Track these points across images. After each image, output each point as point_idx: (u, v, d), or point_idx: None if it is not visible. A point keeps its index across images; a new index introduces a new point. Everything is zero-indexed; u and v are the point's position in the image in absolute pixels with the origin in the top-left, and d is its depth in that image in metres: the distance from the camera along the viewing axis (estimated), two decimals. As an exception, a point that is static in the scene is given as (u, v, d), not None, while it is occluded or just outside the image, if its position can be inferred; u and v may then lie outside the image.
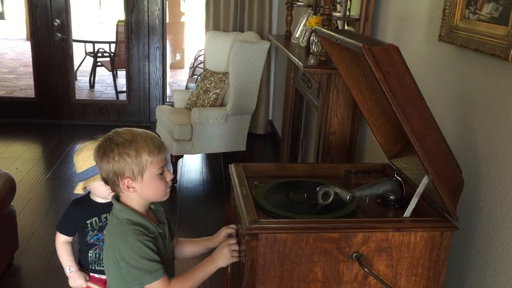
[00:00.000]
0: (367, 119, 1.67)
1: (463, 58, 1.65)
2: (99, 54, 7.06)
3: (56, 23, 5.12)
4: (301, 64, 2.42)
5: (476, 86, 1.57)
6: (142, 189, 1.41)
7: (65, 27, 5.17)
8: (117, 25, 6.54)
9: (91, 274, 1.87)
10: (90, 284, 1.85)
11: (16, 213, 2.81)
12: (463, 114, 1.65)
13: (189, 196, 3.84)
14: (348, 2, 2.65)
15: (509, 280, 1.40)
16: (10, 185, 2.68)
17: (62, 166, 4.20)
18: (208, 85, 4.20)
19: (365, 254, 1.37)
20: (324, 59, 2.42)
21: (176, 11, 8.83)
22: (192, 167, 4.42)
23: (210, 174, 4.31)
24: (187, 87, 6.14)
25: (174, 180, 3.93)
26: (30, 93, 5.88)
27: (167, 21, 5.81)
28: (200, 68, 5.88)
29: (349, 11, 2.66)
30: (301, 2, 3.57)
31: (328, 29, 2.03)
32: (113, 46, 6.90)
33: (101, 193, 1.76)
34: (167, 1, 5.31)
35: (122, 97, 6.16)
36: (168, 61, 6.64)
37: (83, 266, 1.87)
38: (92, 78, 7.21)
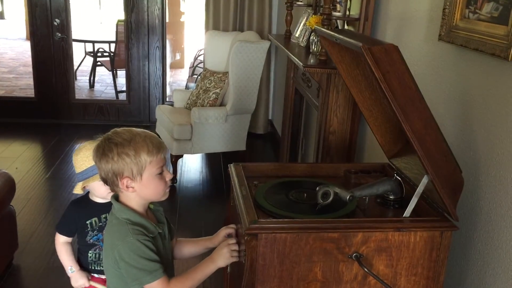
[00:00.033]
0: (367, 119, 1.67)
1: (463, 58, 1.64)
2: (99, 54, 7.06)
3: (55, 23, 5.11)
4: (301, 64, 2.42)
5: (476, 86, 1.57)
6: (141, 189, 1.40)
7: (65, 27, 5.16)
8: (117, 25, 6.53)
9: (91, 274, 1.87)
10: (92, 283, 1.85)
11: (15, 213, 2.81)
12: (463, 113, 1.65)
13: (189, 196, 3.83)
14: (348, 1, 2.65)
15: (509, 280, 1.40)
16: (10, 185, 2.68)
17: (62, 166, 4.20)
18: (208, 85, 4.19)
19: (365, 254, 1.37)
20: (324, 58, 2.42)
21: (176, 10, 8.83)
22: (192, 166, 4.42)
23: (210, 174, 4.30)
24: (187, 87, 6.13)
25: (174, 180, 3.93)
26: (30, 92, 5.88)
27: (167, 20, 5.80)
28: (200, 67, 5.88)
29: (349, 10, 2.66)
30: (301, 1, 3.57)
31: (328, 29, 2.03)
32: (113, 45, 6.90)
33: (100, 193, 1.76)
34: (167, 1, 5.30)
35: (122, 96, 6.16)
36: (168, 60, 6.64)
37: (83, 266, 1.87)
38: (92, 78, 7.20)
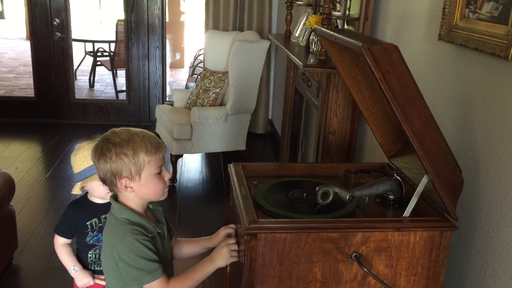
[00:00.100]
0: (367, 119, 1.67)
1: (463, 57, 1.64)
2: (99, 54, 7.06)
3: (55, 23, 5.11)
4: (301, 64, 2.41)
5: (476, 85, 1.57)
6: (140, 188, 1.40)
7: (65, 27, 5.16)
8: (117, 25, 6.53)
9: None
10: (97, 281, 1.84)
11: (15, 213, 2.81)
12: (462, 113, 1.65)
13: (189, 196, 3.83)
14: (348, 1, 2.65)
15: (509, 280, 1.40)
16: (10, 185, 2.67)
17: (62, 166, 4.20)
18: (207, 85, 4.19)
19: (365, 254, 1.37)
20: (323, 58, 2.42)
21: (176, 10, 8.83)
22: (192, 166, 4.42)
23: (210, 174, 4.30)
24: (187, 87, 6.13)
25: (174, 179, 3.93)
26: (30, 92, 5.88)
27: (167, 20, 5.80)
28: (200, 67, 5.87)
29: (349, 10, 2.65)
30: (301, 1, 3.57)
31: (327, 28, 2.02)
32: (112, 45, 6.89)
33: (99, 193, 1.76)
34: (166, 1, 5.31)
35: (122, 96, 6.16)
36: (168, 60, 6.63)
37: (83, 266, 1.86)
38: (91, 78, 7.20)
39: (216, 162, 4.46)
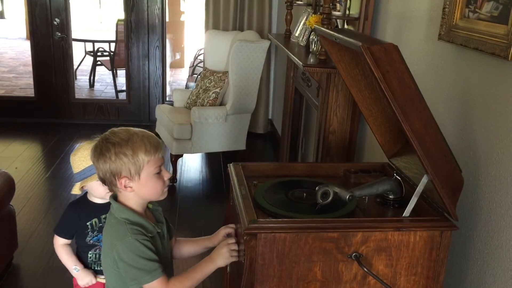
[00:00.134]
0: (367, 118, 1.67)
1: (463, 57, 1.64)
2: (99, 53, 7.06)
3: (55, 22, 5.11)
4: (301, 63, 2.41)
5: (476, 85, 1.57)
6: (140, 188, 1.40)
7: (65, 26, 5.16)
8: (117, 24, 6.53)
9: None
10: (99, 279, 1.84)
11: (15, 213, 2.81)
12: (462, 113, 1.65)
13: (189, 196, 3.83)
14: (348, 1, 2.65)
15: (509, 280, 1.40)
16: (10, 185, 2.67)
17: (62, 165, 4.20)
18: (207, 84, 4.19)
19: (365, 253, 1.37)
20: (323, 58, 2.42)
21: (176, 10, 8.82)
22: (192, 166, 4.42)
23: (210, 173, 4.30)
24: (187, 86, 6.13)
25: (174, 179, 3.93)
26: (30, 92, 5.88)
27: (167, 20, 5.80)
28: (200, 67, 5.87)
29: (349, 10, 2.65)
30: (301, 1, 3.57)
31: (327, 28, 2.02)
32: (112, 45, 6.89)
33: (98, 193, 1.76)
34: (167, 0, 5.31)
35: (122, 96, 6.15)
36: (168, 60, 6.63)
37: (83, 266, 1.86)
38: (91, 77, 7.20)
39: (216, 162, 4.46)
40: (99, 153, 1.38)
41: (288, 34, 3.47)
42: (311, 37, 2.84)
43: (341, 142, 2.45)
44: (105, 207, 1.56)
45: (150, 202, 1.51)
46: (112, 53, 6.81)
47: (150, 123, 5.15)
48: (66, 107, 5.37)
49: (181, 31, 8.87)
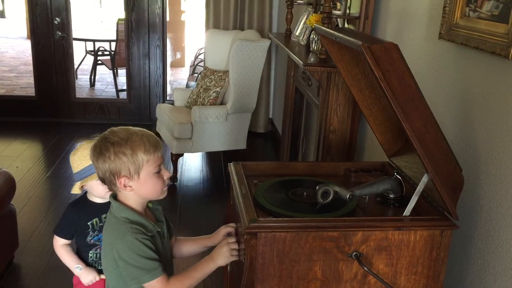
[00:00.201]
0: (367, 118, 1.66)
1: (463, 56, 1.64)
2: (100, 53, 7.05)
3: (56, 22, 5.11)
4: (301, 62, 2.41)
5: (476, 84, 1.57)
6: (139, 187, 1.40)
7: (65, 26, 5.16)
8: (118, 24, 6.53)
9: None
10: (103, 276, 1.83)
11: (16, 212, 2.81)
12: (463, 112, 1.65)
13: (189, 195, 3.83)
14: (348, 0, 2.65)
15: (509, 279, 1.40)
16: (10, 184, 2.67)
17: (63, 165, 4.20)
18: (208, 84, 4.19)
19: (365, 253, 1.37)
20: (324, 57, 2.42)
21: (176, 9, 8.82)
22: (193, 165, 4.42)
23: (211, 173, 4.30)
24: (187, 86, 6.13)
25: (175, 178, 3.93)
26: (31, 91, 5.88)
27: (167, 19, 5.80)
28: (201, 66, 5.88)
29: (349, 9, 2.65)
30: (301, 0, 3.57)
31: (328, 27, 2.02)
32: (113, 44, 6.89)
33: (98, 192, 1.75)
34: (167, 0, 5.30)
35: (123, 95, 6.15)
36: (169, 59, 6.63)
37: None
38: (92, 77, 7.20)
39: (216, 161, 4.47)
40: (98, 153, 1.38)
41: (289, 33, 3.47)
42: (311, 36, 2.84)
43: (341, 141, 2.45)
44: (106, 207, 1.56)
45: (150, 201, 1.51)
46: (112, 53, 6.81)
47: (150, 122, 5.15)
48: (67, 106, 5.37)
49: (181, 30, 8.88)
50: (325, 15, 2.41)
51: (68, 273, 1.90)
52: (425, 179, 1.39)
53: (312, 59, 2.59)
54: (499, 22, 1.40)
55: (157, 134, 4.11)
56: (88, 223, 1.79)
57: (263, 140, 5.07)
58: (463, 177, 1.43)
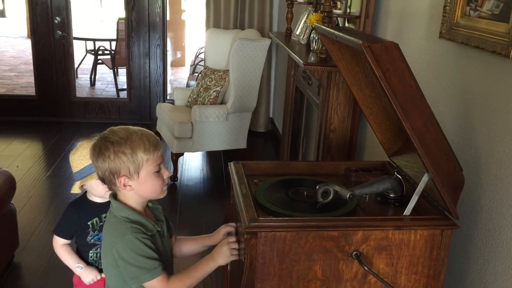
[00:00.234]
0: (367, 117, 1.66)
1: (464, 55, 1.64)
2: (100, 52, 7.05)
3: (56, 21, 5.11)
4: (301, 62, 2.41)
5: (477, 84, 1.56)
6: (139, 187, 1.40)
7: (66, 25, 5.16)
8: (118, 23, 6.53)
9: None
10: (104, 275, 1.83)
11: (16, 211, 2.81)
12: (463, 111, 1.64)
13: (190, 194, 3.83)
14: (349, -1, 2.64)
15: (510, 279, 1.40)
16: (11, 183, 2.67)
17: (63, 164, 4.20)
18: (208, 83, 4.19)
19: (365, 252, 1.36)
20: (324, 56, 2.41)
21: (176, 8, 8.82)
22: (193, 165, 4.42)
23: (211, 172, 4.30)
24: (187, 85, 6.13)
25: (175, 178, 3.93)
26: (31, 91, 5.89)
27: (168, 18, 5.79)
28: (201, 65, 5.87)
29: (350, 8, 2.65)
30: (302, -1, 3.56)
31: (328, 27, 2.02)
32: (113, 43, 6.89)
33: (98, 191, 1.75)
34: (167, -1, 5.30)
35: (123, 94, 6.15)
36: (169, 58, 6.62)
37: (85, 264, 1.86)
38: (92, 76, 7.20)
39: (217, 161, 4.46)
40: (98, 152, 1.38)
41: (289, 32, 3.47)
42: (311, 35, 2.83)
43: (341, 141, 2.45)
44: (106, 206, 1.56)
45: (150, 201, 1.51)
46: (113, 52, 6.81)
47: (151, 122, 5.15)
48: (67, 105, 5.37)
49: (182, 29, 8.88)
50: (325, 14, 2.41)
51: (68, 273, 1.90)
52: (425, 178, 1.39)
53: (312, 58, 2.59)
54: (500, 21, 1.40)
55: (157, 134, 4.11)
56: (88, 223, 1.79)
57: (264, 140, 5.07)
58: (463, 176, 1.43)
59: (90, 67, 7.22)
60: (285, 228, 1.33)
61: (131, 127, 1.42)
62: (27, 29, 10.40)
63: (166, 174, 1.44)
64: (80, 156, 1.74)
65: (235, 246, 1.49)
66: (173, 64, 8.66)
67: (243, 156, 4.02)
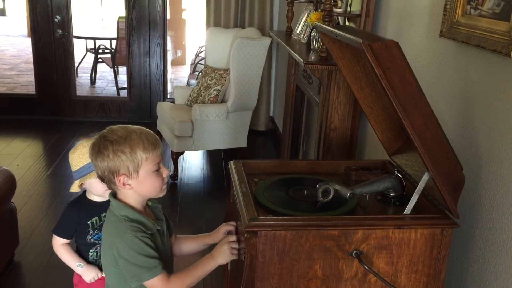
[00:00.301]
0: (368, 116, 1.66)
1: (464, 54, 1.64)
2: (100, 51, 7.05)
3: (56, 20, 5.11)
4: (302, 60, 2.41)
5: (477, 82, 1.56)
6: (138, 186, 1.40)
7: (66, 24, 5.16)
8: (118, 22, 6.52)
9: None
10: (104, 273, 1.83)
11: (16, 210, 2.81)
12: (464, 110, 1.64)
13: (190, 193, 3.83)
14: (349, -3, 2.64)
15: (510, 278, 1.40)
16: (11, 182, 2.68)
17: (63, 163, 4.20)
18: (209, 82, 4.19)
19: (365, 251, 1.36)
20: (324, 55, 2.41)
21: (177, 7, 8.81)
22: (193, 163, 4.42)
23: (211, 171, 4.30)
24: (188, 84, 6.13)
25: (175, 176, 3.93)
26: (31, 89, 5.88)
27: (168, 17, 5.79)
28: (201, 64, 5.87)
29: (350, 7, 2.64)
30: (302, -2, 3.56)
31: (328, 25, 2.01)
32: (114, 42, 6.89)
33: (97, 190, 1.75)
34: (168, -3, 5.30)
35: (123, 93, 6.15)
36: (169, 57, 6.62)
37: (85, 263, 1.86)
38: (93, 75, 7.20)
39: (217, 159, 4.46)
40: (97, 151, 1.38)
41: (289, 31, 3.46)
42: (312, 34, 2.83)
43: (342, 140, 2.45)
44: (105, 205, 1.56)
45: (149, 200, 1.51)
46: (113, 51, 6.81)
47: (151, 121, 5.14)
48: (68, 104, 5.37)
49: (182, 28, 8.87)
50: (326, 13, 2.41)
51: (68, 272, 1.89)
52: (425, 177, 1.39)
53: (312, 57, 2.58)
54: (500, 20, 1.39)
55: (158, 133, 4.11)
56: (88, 222, 1.79)
57: (264, 138, 5.07)
58: (464, 175, 1.43)
59: (91, 65, 7.22)
60: (285, 227, 1.33)
61: (130, 126, 1.42)
62: (27, 27, 10.39)
63: (166, 172, 1.44)
64: (80, 155, 1.74)
65: (236, 245, 1.48)
66: (174, 63, 8.65)
67: (243, 155, 4.03)
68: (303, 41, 3.10)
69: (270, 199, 1.50)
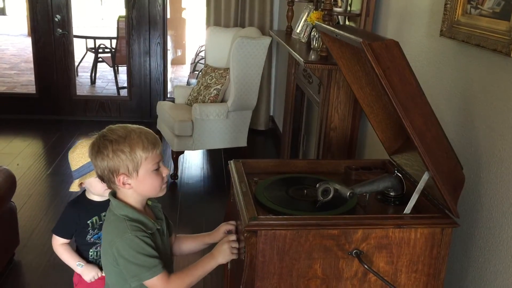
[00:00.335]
0: (368, 115, 1.66)
1: (465, 54, 1.63)
2: (100, 50, 7.04)
3: (56, 19, 5.11)
4: (302, 60, 2.41)
5: (478, 82, 1.56)
6: (138, 185, 1.40)
7: (66, 23, 5.16)
8: (118, 21, 6.52)
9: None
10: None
11: (16, 209, 2.81)
12: (464, 109, 1.64)
13: (190, 192, 3.83)
14: (349, -3, 2.64)
15: (510, 277, 1.40)
16: (11, 181, 2.68)
17: (63, 162, 4.20)
18: (209, 81, 4.19)
19: (365, 250, 1.36)
20: (324, 54, 2.41)
21: (177, 6, 8.81)
22: (193, 163, 4.42)
23: (211, 170, 4.30)
24: (188, 83, 6.13)
25: (175, 176, 3.93)
26: (31, 89, 5.88)
27: (168, 16, 5.78)
28: (201, 63, 5.86)
29: (350, 6, 2.64)
30: (302, -3, 3.56)
31: (328, 25, 2.01)
32: (114, 41, 6.89)
33: (97, 190, 1.75)
34: (168, -3, 5.30)
35: (123, 93, 6.15)
36: (169, 57, 6.61)
37: (85, 262, 1.86)
38: (93, 74, 7.20)
39: (217, 159, 4.46)
40: (96, 151, 1.38)
41: (290, 30, 3.46)
42: (312, 33, 2.83)
43: (342, 139, 2.45)
44: (105, 205, 1.55)
45: (149, 199, 1.51)
46: (113, 50, 6.80)
47: (151, 120, 5.14)
48: (68, 104, 5.37)
49: (182, 27, 8.86)
50: (326, 12, 2.41)
51: (68, 271, 1.89)
52: (425, 177, 1.39)
53: (313, 56, 2.58)
54: (501, 20, 1.39)
55: (158, 132, 4.11)
56: (88, 222, 1.79)
57: (264, 138, 5.07)
58: (464, 175, 1.43)
59: (91, 65, 7.22)
60: (285, 226, 1.33)
61: (129, 125, 1.42)
62: (27, 27, 10.38)
63: (165, 172, 1.44)
64: (79, 154, 1.74)
65: (236, 244, 1.48)
66: (174, 62, 8.65)
67: (243, 154, 4.03)
68: (303, 41, 3.09)
69: (270, 199, 1.50)
